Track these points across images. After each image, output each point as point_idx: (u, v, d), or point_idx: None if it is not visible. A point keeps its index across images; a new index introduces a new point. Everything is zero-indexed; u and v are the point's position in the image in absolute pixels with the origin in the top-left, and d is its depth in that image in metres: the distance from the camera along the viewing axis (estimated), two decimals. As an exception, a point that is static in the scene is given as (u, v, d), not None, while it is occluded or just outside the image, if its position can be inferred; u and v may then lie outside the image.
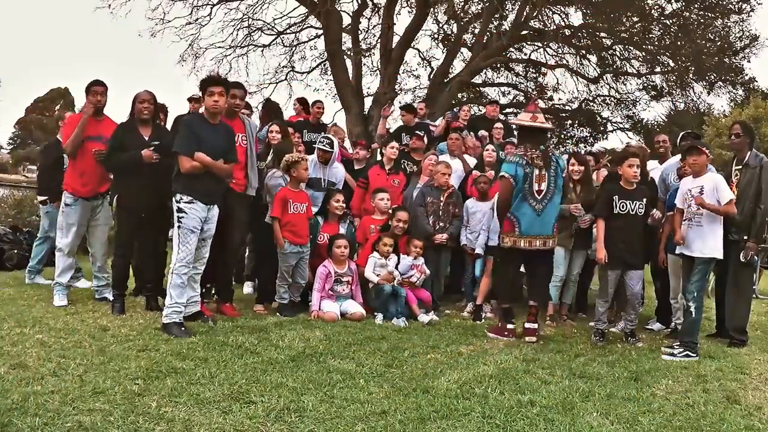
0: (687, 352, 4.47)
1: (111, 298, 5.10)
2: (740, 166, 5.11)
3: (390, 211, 5.89)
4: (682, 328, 4.76)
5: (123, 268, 5.04)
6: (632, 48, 13.48)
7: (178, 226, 4.37)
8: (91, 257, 5.50)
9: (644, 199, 4.92)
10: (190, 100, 7.79)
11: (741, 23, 12.84)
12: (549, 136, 4.89)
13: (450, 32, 14.84)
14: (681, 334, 4.70)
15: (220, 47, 13.83)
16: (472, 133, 7.86)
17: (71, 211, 5.19)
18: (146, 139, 4.91)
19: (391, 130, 8.51)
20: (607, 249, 4.83)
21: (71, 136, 5.04)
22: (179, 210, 4.36)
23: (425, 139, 7.27)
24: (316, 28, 13.91)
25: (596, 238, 5.05)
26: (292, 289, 5.44)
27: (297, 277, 5.41)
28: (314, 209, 5.73)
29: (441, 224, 5.92)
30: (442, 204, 5.91)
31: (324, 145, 5.91)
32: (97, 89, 5.13)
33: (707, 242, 4.60)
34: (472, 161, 7.03)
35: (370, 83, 14.44)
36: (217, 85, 4.50)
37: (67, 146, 5.13)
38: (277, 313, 5.22)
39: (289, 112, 9.40)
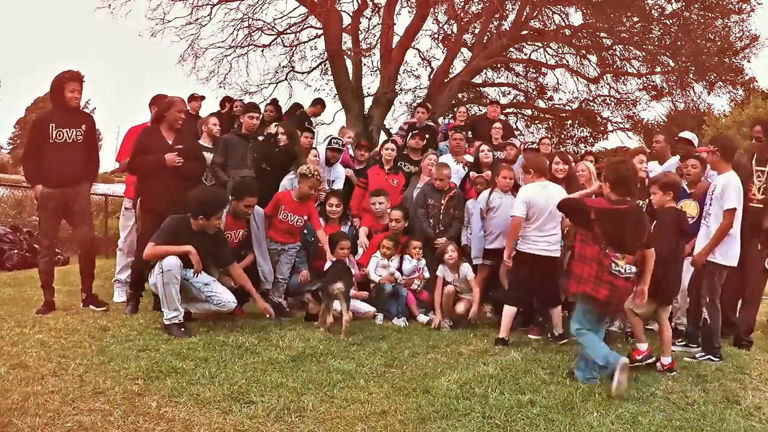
0: (709, 356, 4.40)
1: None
2: (764, 168, 4.93)
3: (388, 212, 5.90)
4: (702, 337, 4.61)
5: (142, 270, 5.01)
6: (632, 48, 13.44)
7: None
8: None
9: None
10: (190, 99, 7.79)
11: (741, 23, 12.79)
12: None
13: (450, 32, 14.81)
14: (702, 342, 4.59)
15: (220, 47, 13.81)
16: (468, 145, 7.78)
17: (131, 214, 5.35)
18: (170, 142, 4.94)
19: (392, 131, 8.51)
20: None
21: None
22: None
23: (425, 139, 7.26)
24: (316, 28, 13.88)
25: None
26: (274, 287, 5.31)
27: (276, 273, 5.27)
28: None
29: (441, 227, 5.88)
30: (443, 207, 5.88)
31: (337, 144, 6.09)
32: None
33: (719, 247, 4.42)
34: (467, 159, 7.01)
35: (370, 83, 14.42)
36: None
37: (124, 167, 5.27)
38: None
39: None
